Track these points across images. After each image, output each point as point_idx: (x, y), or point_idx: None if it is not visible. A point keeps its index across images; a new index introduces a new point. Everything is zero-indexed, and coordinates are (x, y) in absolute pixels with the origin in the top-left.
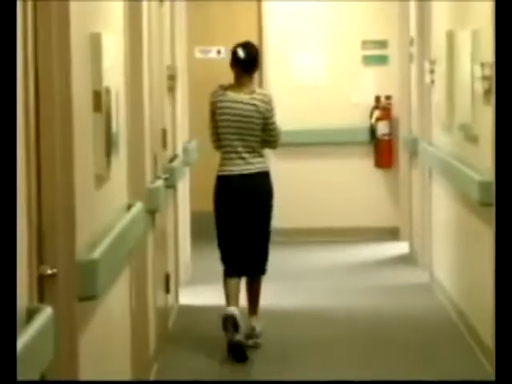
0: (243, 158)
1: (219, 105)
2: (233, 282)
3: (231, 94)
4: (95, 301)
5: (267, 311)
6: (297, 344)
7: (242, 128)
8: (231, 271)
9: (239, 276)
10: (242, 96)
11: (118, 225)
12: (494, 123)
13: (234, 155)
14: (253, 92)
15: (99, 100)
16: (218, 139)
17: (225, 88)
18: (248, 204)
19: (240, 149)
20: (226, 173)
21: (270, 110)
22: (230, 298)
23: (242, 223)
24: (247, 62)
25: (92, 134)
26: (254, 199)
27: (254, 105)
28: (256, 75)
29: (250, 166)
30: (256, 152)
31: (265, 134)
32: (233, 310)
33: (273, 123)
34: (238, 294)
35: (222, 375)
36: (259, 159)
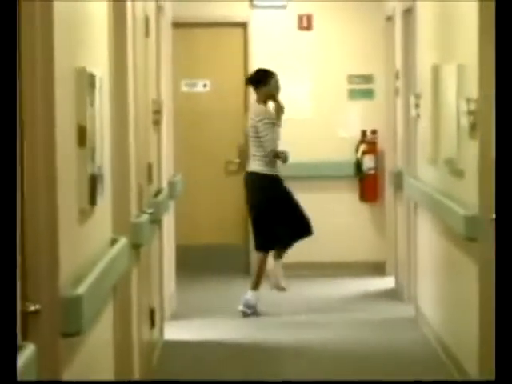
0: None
1: None
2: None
3: None
4: (79, 337)
5: (250, 347)
6: (281, 377)
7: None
8: None
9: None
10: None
11: (102, 260)
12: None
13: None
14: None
15: (83, 135)
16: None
17: None
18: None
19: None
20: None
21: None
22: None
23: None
24: (248, 79)
25: (76, 169)
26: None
27: (251, 118)
28: (242, 110)
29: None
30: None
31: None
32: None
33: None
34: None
35: None
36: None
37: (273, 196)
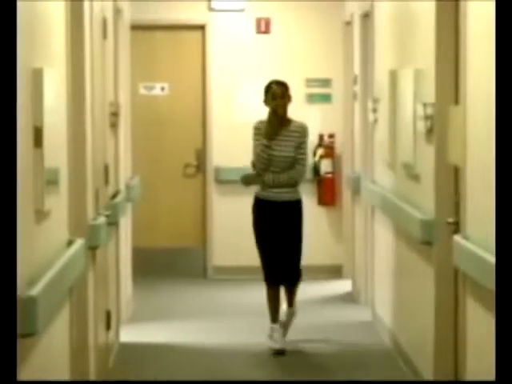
0: None
1: None
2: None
3: None
4: (34, 338)
5: (205, 350)
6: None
7: None
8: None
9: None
10: None
11: (58, 261)
12: None
13: None
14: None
15: (40, 136)
16: None
17: None
18: None
19: None
20: None
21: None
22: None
23: None
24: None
25: (32, 170)
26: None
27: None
28: (200, 113)
29: None
30: None
31: None
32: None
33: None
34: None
35: None
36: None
37: None
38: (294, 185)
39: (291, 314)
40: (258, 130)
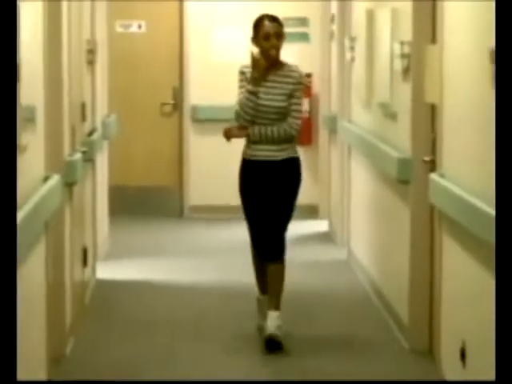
0: None
1: None
2: None
3: None
4: None
5: (181, 287)
6: (212, 317)
7: None
8: None
9: None
10: None
11: (34, 196)
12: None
13: None
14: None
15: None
16: None
17: None
18: None
19: None
20: None
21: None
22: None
23: None
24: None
25: None
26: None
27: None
28: (177, 51)
29: None
30: None
31: None
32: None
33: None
34: None
35: (134, 350)
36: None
37: None
38: (287, 141)
39: (277, 325)
40: (243, 76)
